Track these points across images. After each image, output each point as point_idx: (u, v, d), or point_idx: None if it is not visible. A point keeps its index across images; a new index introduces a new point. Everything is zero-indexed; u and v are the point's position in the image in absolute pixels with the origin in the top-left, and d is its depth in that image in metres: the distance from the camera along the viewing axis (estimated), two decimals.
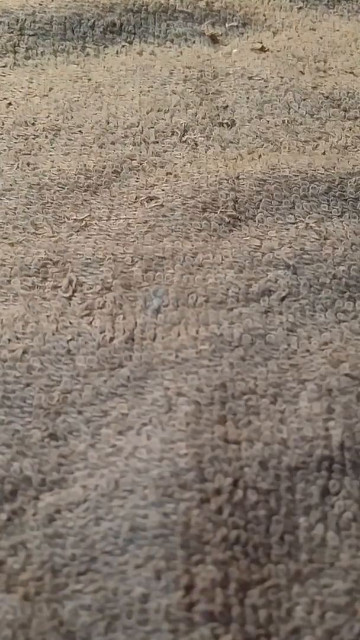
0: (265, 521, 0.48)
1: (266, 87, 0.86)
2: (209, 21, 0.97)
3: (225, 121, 0.80)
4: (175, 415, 0.53)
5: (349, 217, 0.68)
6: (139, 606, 0.44)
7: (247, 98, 0.84)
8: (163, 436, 0.52)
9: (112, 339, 0.59)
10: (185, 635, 0.43)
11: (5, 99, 0.84)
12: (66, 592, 0.45)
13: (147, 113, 0.82)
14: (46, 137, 0.79)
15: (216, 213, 0.69)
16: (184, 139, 0.78)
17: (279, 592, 0.45)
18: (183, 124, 0.80)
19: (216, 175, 0.72)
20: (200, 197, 0.70)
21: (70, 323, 0.60)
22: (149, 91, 0.85)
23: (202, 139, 0.78)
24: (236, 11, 0.99)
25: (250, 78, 0.87)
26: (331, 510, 0.48)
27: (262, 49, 0.92)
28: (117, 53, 0.92)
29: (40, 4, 0.96)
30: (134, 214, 0.69)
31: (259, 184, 0.71)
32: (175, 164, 0.75)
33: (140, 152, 0.77)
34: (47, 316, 0.60)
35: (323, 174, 0.72)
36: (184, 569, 0.45)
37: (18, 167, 0.75)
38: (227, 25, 0.97)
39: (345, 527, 0.48)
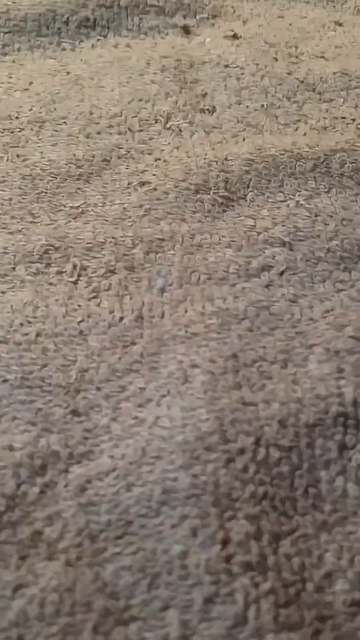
0: (289, 476, 0.50)
1: (242, 74, 0.88)
2: (180, 14, 1.00)
3: (207, 108, 0.83)
4: (191, 385, 0.55)
5: (337, 193, 0.71)
6: (179, 562, 0.46)
7: (225, 85, 0.86)
8: (183, 404, 0.54)
9: (121, 319, 0.60)
10: (226, 585, 0.45)
11: None
12: (106, 556, 0.47)
13: (129, 103, 0.84)
14: (32, 129, 0.81)
15: (209, 194, 0.71)
16: (167, 126, 0.80)
17: (309, 541, 0.48)
18: (165, 112, 0.82)
19: (205, 158, 0.74)
20: (191, 179, 0.72)
21: (79, 305, 0.62)
22: (128, 82, 0.87)
23: (186, 125, 0.80)
24: (205, 4, 1.02)
25: (226, 66, 0.89)
26: (349, 463, 0.51)
27: (235, 36, 0.95)
28: (92, 47, 0.94)
29: (13, 2, 0.98)
30: (129, 199, 0.71)
31: (248, 163, 0.73)
32: (163, 150, 0.77)
33: (127, 140, 0.79)
34: (56, 300, 0.62)
35: (308, 151, 0.75)
36: (218, 525, 0.48)
37: (8, 159, 0.76)
38: (197, 17, 1.00)
39: None
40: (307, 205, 0.69)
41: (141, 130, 0.80)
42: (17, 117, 0.82)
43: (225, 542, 0.47)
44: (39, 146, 0.78)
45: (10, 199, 0.72)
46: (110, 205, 0.71)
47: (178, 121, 0.80)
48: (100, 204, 0.71)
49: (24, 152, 0.77)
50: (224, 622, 0.44)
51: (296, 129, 0.80)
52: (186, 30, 0.97)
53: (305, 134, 0.78)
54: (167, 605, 0.45)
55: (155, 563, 0.47)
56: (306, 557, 0.47)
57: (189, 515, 0.48)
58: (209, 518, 0.48)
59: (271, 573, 0.46)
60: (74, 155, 0.77)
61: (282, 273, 0.64)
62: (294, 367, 0.56)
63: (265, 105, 0.83)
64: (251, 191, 0.71)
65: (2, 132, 0.80)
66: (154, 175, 0.73)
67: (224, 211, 0.70)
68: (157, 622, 0.44)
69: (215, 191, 0.71)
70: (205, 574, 0.46)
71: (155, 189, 0.72)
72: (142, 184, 0.72)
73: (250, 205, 0.70)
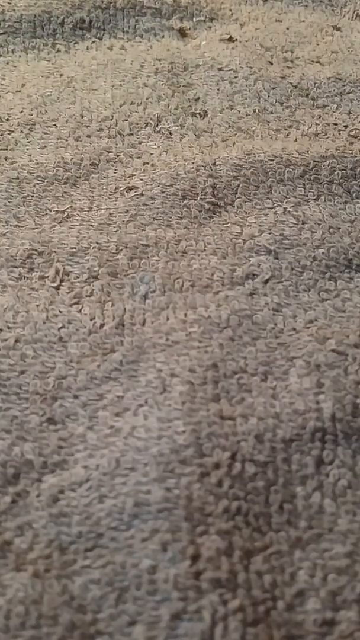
0: (264, 492, 0.49)
1: (236, 77, 0.87)
2: (176, 16, 0.99)
3: (198, 112, 0.82)
4: (170, 396, 0.54)
5: (325, 200, 0.70)
6: (148, 577, 0.46)
7: (218, 89, 0.86)
8: (160, 415, 0.53)
9: (102, 325, 0.60)
10: (194, 602, 0.44)
11: None
12: (75, 568, 0.46)
13: (120, 106, 0.83)
14: (21, 131, 0.80)
15: (196, 200, 0.70)
16: (157, 129, 0.79)
17: (282, 558, 0.47)
18: (156, 115, 0.81)
19: (193, 163, 0.73)
20: (179, 184, 0.71)
21: (60, 311, 0.61)
22: (121, 85, 0.86)
23: (176, 128, 0.79)
24: (203, 7, 1.01)
25: (220, 69, 0.88)
26: (326, 479, 0.50)
27: (230, 39, 0.94)
28: (87, 49, 0.94)
29: (9, 3, 0.97)
30: (115, 204, 0.71)
31: (236, 169, 0.72)
32: (152, 153, 0.76)
33: (116, 144, 0.78)
34: (37, 305, 0.61)
35: (297, 157, 0.74)
36: (189, 540, 0.47)
37: None
38: (194, 19, 0.99)
39: (341, 494, 0.49)
40: (294, 213, 0.68)
41: (131, 134, 0.79)
42: (7, 119, 0.81)
43: (195, 558, 0.46)
44: (27, 149, 0.77)
45: None
46: (97, 210, 0.70)
47: (168, 125, 0.80)
48: (87, 209, 0.70)
49: (12, 154, 0.76)
50: (190, 639, 0.43)
51: (287, 135, 0.79)
52: (182, 33, 0.96)
53: (296, 140, 0.78)
54: (134, 620, 0.44)
55: (124, 577, 0.46)
56: (278, 575, 0.46)
57: (160, 529, 0.47)
58: (180, 532, 0.47)
59: (241, 590, 0.45)
60: (63, 158, 0.76)
61: (266, 281, 0.63)
62: (274, 380, 0.55)
63: (257, 110, 0.82)
64: (239, 197, 0.70)
65: None
66: (141, 179, 0.72)
67: (211, 217, 0.69)
68: (124, 637, 0.44)
69: (203, 197, 0.70)
70: (174, 590, 0.45)
71: (142, 194, 0.71)
72: (129, 188, 0.72)
73: (237, 212, 0.69)
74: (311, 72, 0.90)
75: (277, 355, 0.57)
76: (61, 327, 0.60)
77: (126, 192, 0.72)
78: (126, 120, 0.81)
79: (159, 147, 0.77)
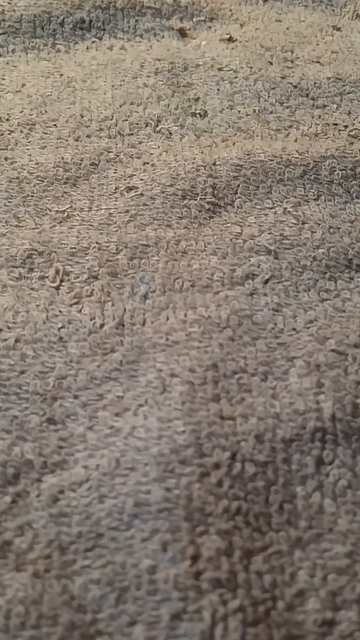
0: (264, 492, 0.49)
1: (236, 77, 0.88)
2: (176, 16, 0.99)
3: (198, 112, 0.82)
4: (170, 396, 0.54)
5: (325, 200, 0.70)
6: (148, 577, 0.45)
7: (218, 89, 0.86)
8: (160, 415, 0.53)
9: (102, 325, 0.60)
10: (194, 602, 0.44)
11: None
12: (75, 568, 0.46)
13: (120, 106, 0.83)
14: (21, 131, 0.80)
15: (196, 200, 0.70)
16: (157, 129, 0.79)
17: (282, 558, 0.47)
18: (156, 115, 0.81)
19: (193, 163, 0.73)
20: (179, 184, 0.71)
21: (60, 311, 0.61)
22: (121, 85, 0.86)
23: (176, 128, 0.79)
24: (203, 7, 1.01)
25: (220, 69, 0.89)
26: (326, 479, 0.50)
27: (230, 39, 0.94)
28: (87, 49, 0.94)
29: (9, 3, 0.97)
30: (115, 204, 0.71)
31: (236, 169, 0.72)
32: (152, 153, 0.76)
33: (116, 144, 0.78)
34: (37, 305, 0.61)
35: (297, 157, 0.74)
36: (189, 540, 0.47)
37: None
38: (194, 19, 0.99)
39: (341, 494, 0.49)
40: (294, 213, 0.68)
41: (131, 134, 0.79)
42: (7, 119, 0.81)
43: (195, 558, 0.46)
44: (27, 149, 0.77)
45: None
46: (97, 210, 0.70)
47: (168, 125, 0.80)
48: (87, 209, 0.70)
49: (12, 154, 0.76)
50: (190, 639, 0.43)
51: (287, 135, 0.79)
52: (182, 33, 0.96)
53: (296, 140, 0.78)
54: (134, 620, 0.44)
55: (124, 577, 0.46)
56: (278, 575, 0.46)
57: (160, 529, 0.47)
58: (180, 533, 0.47)
59: (241, 590, 0.45)
60: (63, 158, 0.76)
61: (266, 281, 0.63)
62: (274, 380, 0.55)
63: (257, 110, 0.82)
64: (239, 197, 0.70)
65: None
66: (141, 179, 0.72)
67: (211, 217, 0.69)
68: (124, 637, 0.44)
69: (203, 197, 0.70)
70: (174, 590, 0.45)
71: (142, 194, 0.71)
72: (129, 188, 0.72)
73: (237, 212, 0.69)
74: (311, 72, 0.90)
75: (277, 355, 0.57)
76: (61, 327, 0.60)
77: (126, 192, 0.72)
78: (126, 120, 0.81)
79: (159, 147, 0.77)
